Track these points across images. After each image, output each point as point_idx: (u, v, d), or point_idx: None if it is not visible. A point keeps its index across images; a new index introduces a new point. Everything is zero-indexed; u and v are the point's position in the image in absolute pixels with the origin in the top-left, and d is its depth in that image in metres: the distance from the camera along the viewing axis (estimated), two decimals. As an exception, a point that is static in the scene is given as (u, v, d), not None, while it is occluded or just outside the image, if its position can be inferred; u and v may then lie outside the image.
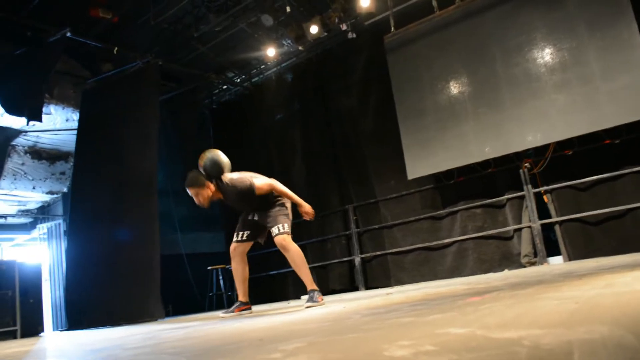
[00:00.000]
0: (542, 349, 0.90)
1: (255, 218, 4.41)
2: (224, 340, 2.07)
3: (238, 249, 4.43)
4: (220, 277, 8.59)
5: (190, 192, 4.34)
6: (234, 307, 4.52)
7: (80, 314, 6.75)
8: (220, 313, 4.63)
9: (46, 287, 8.95)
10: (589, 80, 5.62)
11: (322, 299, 4.22)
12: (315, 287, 4.28)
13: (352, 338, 1.54)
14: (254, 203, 4.35)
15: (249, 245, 4.48)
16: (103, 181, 7.30)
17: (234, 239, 4.45)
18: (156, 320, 6.56)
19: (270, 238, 4.41)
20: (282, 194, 4.36)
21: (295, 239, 8.03)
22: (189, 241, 9.41)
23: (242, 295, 4.53)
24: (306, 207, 4.39)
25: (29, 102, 6.82)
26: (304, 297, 7.70)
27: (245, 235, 4.42)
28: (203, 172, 4.34)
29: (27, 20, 6.83)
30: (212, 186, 4.34)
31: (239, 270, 4.47)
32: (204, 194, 4.31)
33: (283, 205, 4.38)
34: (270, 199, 4.35)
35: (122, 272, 6.83)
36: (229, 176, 4.35)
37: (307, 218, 4.42)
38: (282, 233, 4.23)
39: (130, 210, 7.15)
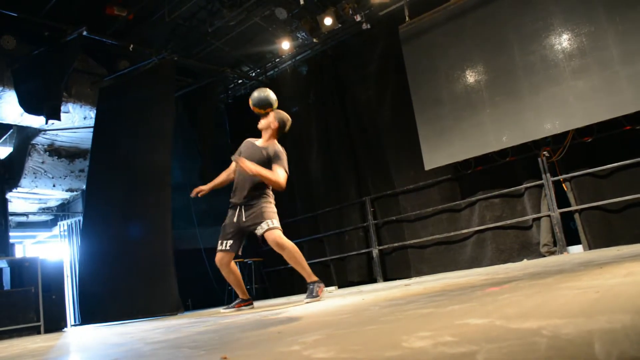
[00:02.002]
0: (562, 339, 0.89)
1: (239, 219, 4.27)
2: (243, 334, 2.08)
3: (224, 259, 4.34)
4: (239, 271, 8.63)
5: (263, 110, 4.38)
6: (234, 303, 4.57)
7: (93, 308, 6.83)
8: (221, 309, 4.65)
9: (67, 283, 9.08)
10: (609, 65, 5.52)
11: (322, 291, 4.22)
12: (315, 278, 4.24)
13: (371, 330, 1.54)
14: (252, 182, 4.25)
15: (233, 254, 4.39)
16: (118, 177, 7.37)
17: (219, 247, 4.36)
18: (175, 314, 6.62)
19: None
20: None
21: (314, 230, 8.02)
22: (207, 235, 9.47)
23: (241, 294, 4.57)
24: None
25: (48, 101, 6.91)
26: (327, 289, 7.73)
27: (228, 245, 4.31)
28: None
29: (45, 20, 6.91)
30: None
31: (231, 278, 4.45)
32: (274, 122, 4.38)
33: (269, 200, 4.32)
34: (262, 190, 4.29)
35: (138, 267, 6.90)
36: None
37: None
38: (273, 228, 4.13)
39: (145, 206, 7.21)
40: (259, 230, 4.15)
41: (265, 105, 4.35)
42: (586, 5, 5.71)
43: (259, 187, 4.27)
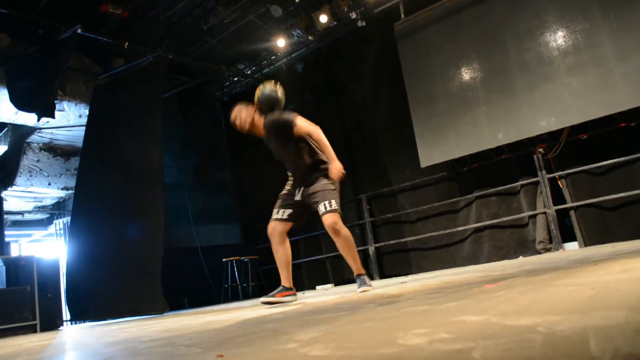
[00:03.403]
0: (557, 335, 0.89)
1: (297, 198, 3.96)
2: (239, 332, 2.08)
3: (278, 227, 3.95)
4: (235, 269, 8.64)
5: (234, 110, 4.19)
6: (275, 291, 4.01)
7: (82, 306, 6.82)
8: (261, 298, 4.09)
9: (63, 281, 9.06)
10: (603, 62, 5.54)
11: (372, 284, 3.95)
12: (364, 271, 3.98)
13: (367, 327, 1.54)
14: (293, 154, 3.95)
15: (289, 225, 4.00)
16: (110, 175, 7.35)
17: (274, 216, 3.97)
18: (161, 313, 6.60)
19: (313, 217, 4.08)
20: (320, 144, 3.89)
21: (311, 228, 7.92)
22: (204, 234, 9.47)
23: (284, 279, 4.04)
24: (336, 166, 3.82)
25: (41, 98, 6.88)
26: (320, 287, 7.74)
27: (287, 214, 3.95)
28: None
29: (39, 18, 6.88)
30: (256, 114, 4.09)
31: (280, 251, 4.00)
32: (243, 114, 4.12)
33: (329, 176, 3.90)
34: (315, 162, 3.95)
35: (128, 265, 6.88)
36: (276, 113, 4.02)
37: (335, 178, 3.86)
38: (330, 211, 3.78)
39: (137, 204, 7.20)
40: (319, 210, 3.83)
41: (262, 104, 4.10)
42: (581, 2, 5.72)
43: (311, 161, 3.96)
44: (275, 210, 4.01)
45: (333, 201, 3.82)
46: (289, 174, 4.16)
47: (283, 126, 3.91)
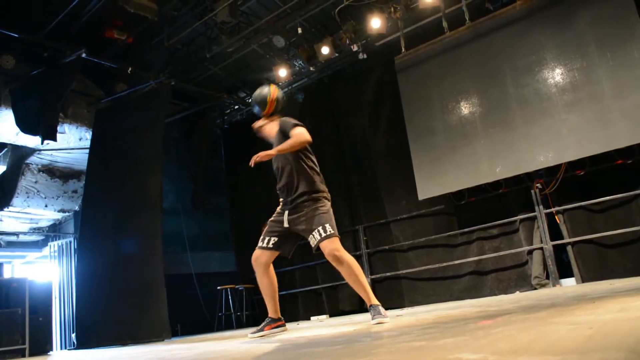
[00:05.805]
0: (556, 377, 0.88)
1: (285, 225, 3.69)
2: (233, 362, 2.05)
3: (261, 257, 3.74)
4: (230, 297, 8.56)
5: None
6: (263, 324, 3.91)
7: (89, 332, 6.74)
8: (249, 333, 3.95)
9: (55, 305, 8.95)
10: (600, 99, 5.61)
11: (387, 314, 3.59)
12: (377, 302, 3.61)
13: (362, 362, 1.52)
14: (292, 169, 3.76)
15: (274, 254, 3.77)
16: (113, 199, 7.35)
17: (259, 244, 3.77)
18: (163, 340, 6.52)
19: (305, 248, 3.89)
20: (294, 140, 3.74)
21: (307, 257, 7.83)
22: (199, 260, 9.41)
23: (272, 311, 3.92)
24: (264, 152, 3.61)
25: (44, 121, 6.91)
26: (315, 318, 7.65)
27: (271, 242, 3.73)
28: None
29: (45, 41, 6.95)
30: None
31: (265, 283, 3.80)
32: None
33: (323, 199, 3.72)
34: (312, 184, 3.73)
35: (130, 291, 6.82)
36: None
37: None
38: (327, 237, 3.49)
39: (137, 228, 7.17)
40: (311, 241, 3.55)
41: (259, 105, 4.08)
42: (578, 41, 5.82)
43: (307, 184, 3.72)
44: (261, 238, 3.81)
45: (328, 225, 3.53)
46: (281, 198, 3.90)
47: (285, 128, 3.84)
